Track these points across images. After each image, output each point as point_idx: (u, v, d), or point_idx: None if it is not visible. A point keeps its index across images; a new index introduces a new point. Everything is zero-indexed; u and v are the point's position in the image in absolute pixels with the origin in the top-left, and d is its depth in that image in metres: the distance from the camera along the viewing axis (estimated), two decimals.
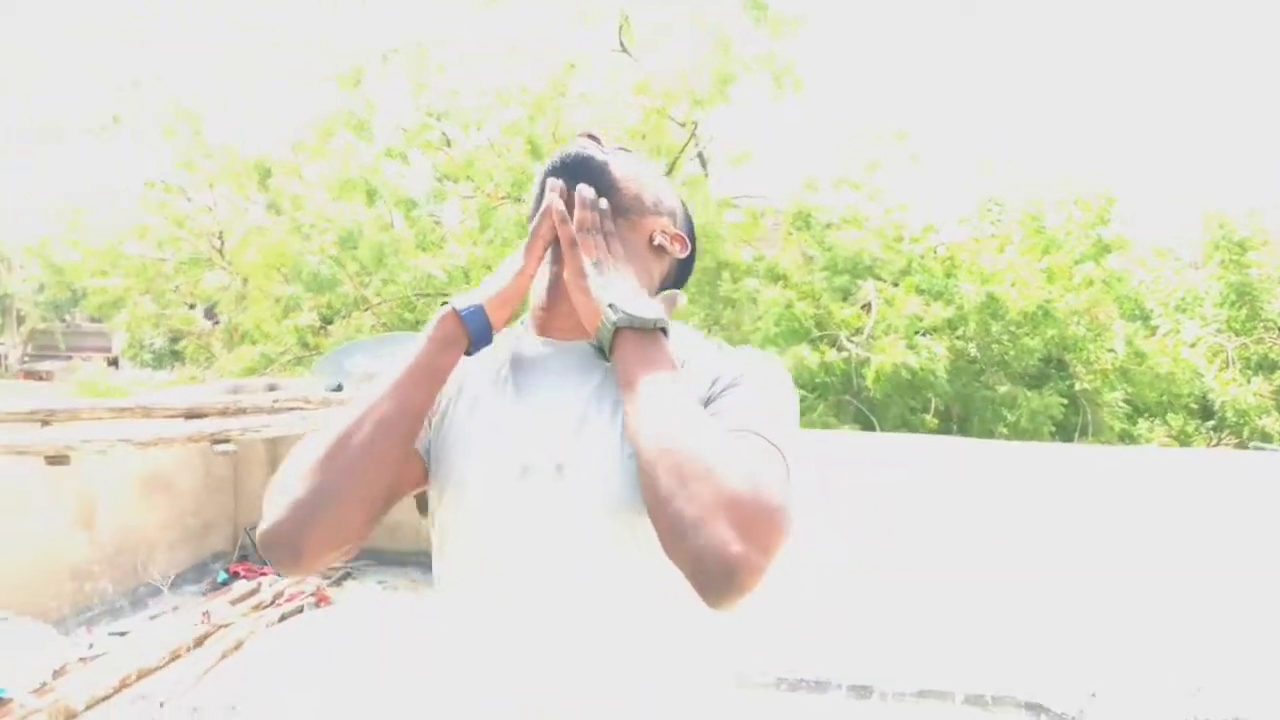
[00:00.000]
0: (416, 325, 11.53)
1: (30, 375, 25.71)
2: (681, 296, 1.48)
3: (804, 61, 12.71)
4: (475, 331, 1.35)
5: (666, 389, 1.21)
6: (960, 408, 11.77)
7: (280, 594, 5.71)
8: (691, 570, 1.10)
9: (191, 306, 15.03)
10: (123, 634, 5.12)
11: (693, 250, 1.55)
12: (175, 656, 4.92)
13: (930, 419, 11.56)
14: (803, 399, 12.00)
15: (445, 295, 11.18)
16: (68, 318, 27.41)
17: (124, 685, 4.62)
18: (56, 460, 4.22)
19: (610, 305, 1.27)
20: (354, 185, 11.45)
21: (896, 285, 11.55)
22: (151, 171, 13.85)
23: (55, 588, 5.10)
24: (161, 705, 4.56)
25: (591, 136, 1.47)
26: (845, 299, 11.80)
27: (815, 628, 4.95)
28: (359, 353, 6.60)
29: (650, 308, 1.28)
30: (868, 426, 11.69)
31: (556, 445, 1.30)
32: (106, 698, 4.51)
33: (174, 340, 15.64)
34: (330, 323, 12.12)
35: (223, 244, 13.49)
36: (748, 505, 1.09)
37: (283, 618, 5.51)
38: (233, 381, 7.37)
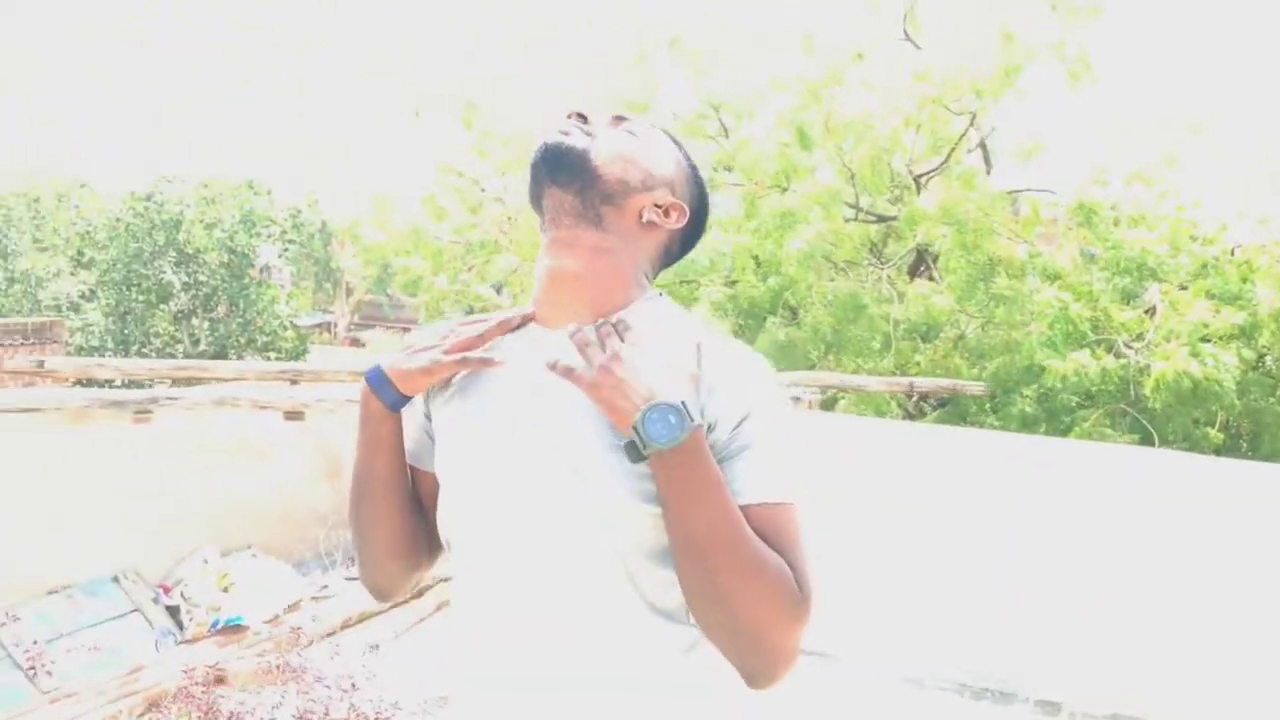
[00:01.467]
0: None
1: (354, 343, 28.24)
2: (702, 358, 1.36)
3: (1099, 51, 12.03)
4: (385, 399, 1.46)
5: (704, 511, 1.24)
6: (1250, 423, 10.84)
7: None
8: (741, 671, 1.28)
9: (499, 290, 16.00)
10: (355, 579, 5.61)
11: (698, 214, 1.56)
12: (396, 604, 5.34)
13: (1215, 434, 10.72)
14: (1077, 406, 11.48)
15: (695, 283, 11.42)
16: (390, 291, 29.58)
17: (345, 625, 5.07)
18: (293, 416, 4.67)
19: (635, 429, 1.24)
20: None
21: (1184, 289, 10.76)
22: (451, 158, 14.86)
23: (300, 533, 5.67)
24: (375, 648, 4.96)
25: (579, 115, 1.47)
26: (1126, 302, 11.10)
27: (1012, 637, 4.79)
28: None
29: (677, 425, 1.23)
30: (1145, 438, 10.97)
31: (539, 433, 1.35)
32: (329, 635, 4.96)
33: (469, 314, 16.65)
34: None
35: (512, 228, 14.30)
36: (790, 631, 1.25)
37: None
38: None
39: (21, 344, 12.71)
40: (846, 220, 11.51)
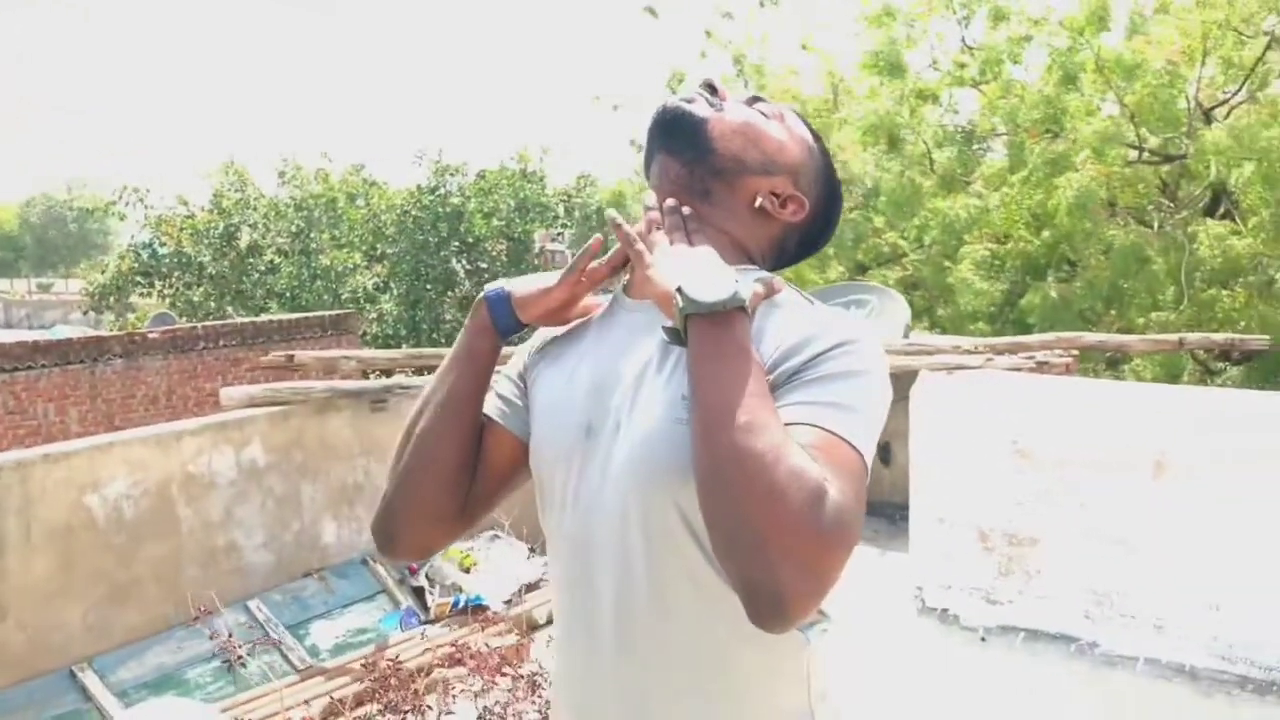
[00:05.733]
0: (942, 276, 11.25)
1: None
2: (778, 281, 1.27)
3: None
4: (498, 318, 1.39)
5: (734, 388, 1.10)
6: None
7: None
8: (741, 594, 1.07)
9: None
10: None
11: (822, 216, 1.43)
12: None
13: None
14: None
15: (963, 242, 10.82)
16: None
17: None
18: None
19: (678, 290, 1.16)
20: (878, 131, 11.38)
21: None
22: None
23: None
24: None
25: (709, 85, 1.39)
26: None
27: None
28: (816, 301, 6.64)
29: (721, 286, 1.15)
30: None
31: (617, 406, 1.29)
32: None
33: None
34: (864, 271, 12.22)
35: None
36: (805, 534, 1.03)
37: None
38: None
39: (322, 335, 13.76)
40: (1129, 163, 10.59)
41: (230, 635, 3.63)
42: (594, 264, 1.38)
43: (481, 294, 1.42)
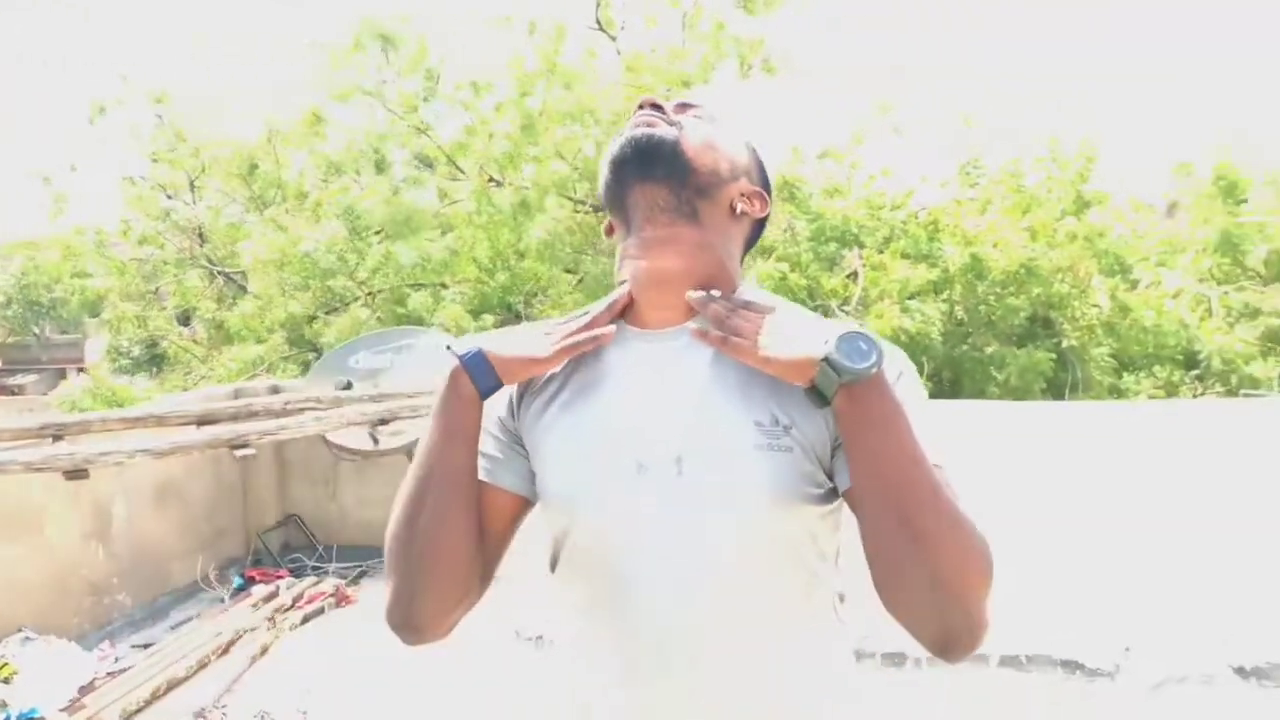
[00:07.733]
0: (405, 319, 11.41)
1: (2, 390, 25.44)
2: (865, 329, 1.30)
3: (786, 37, 12.62)
4: (480, 381, 1.32)
5: (905, 450, 1.17)
6: (950, 370, 11.80)
7: (300, 596, 5.70)
8: (935, 637, 1.17)
9: (183, 321, 14.67)
10: (146, 646, 5.11)
11: (769, 191, 1.47)
12: (203, 666, 4.91)
13: (925, 382, 11.53)
14: None
15: (437, 285, 11.11)
16: (38, 331, 27.18)
17: (155, 698, 4.62)
18: (75, 475, 4.17)
19: (826, 361, 1.17)
20: (357, 158, 11.36)
21: (882, 252, 11.56)
22: (133, 167, 13.72)
23: (74, 602, 5.08)
24: (196, 716, 4.56)
25: (654, 105, 1.40)
26: (831, 268, 11.79)
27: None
28: (362, 349, 6.46)
29: (866, 348, 1.17)
30: None
31: (672, 437, 1.26)
32: (138, 711, 4.50)
33: (152, 345, 15.13)
34: (331, 312, 11.84)
35: (203, 241, 13.34)
36: (990, 579, 1.15)
37: (305, 619, 5.50)
38: (234, 385, 7.33)
39: None
40: (579, 210, 11.52)
41: None
42: (587, 334, 1.34)
43: (455, 359, 1.33)
